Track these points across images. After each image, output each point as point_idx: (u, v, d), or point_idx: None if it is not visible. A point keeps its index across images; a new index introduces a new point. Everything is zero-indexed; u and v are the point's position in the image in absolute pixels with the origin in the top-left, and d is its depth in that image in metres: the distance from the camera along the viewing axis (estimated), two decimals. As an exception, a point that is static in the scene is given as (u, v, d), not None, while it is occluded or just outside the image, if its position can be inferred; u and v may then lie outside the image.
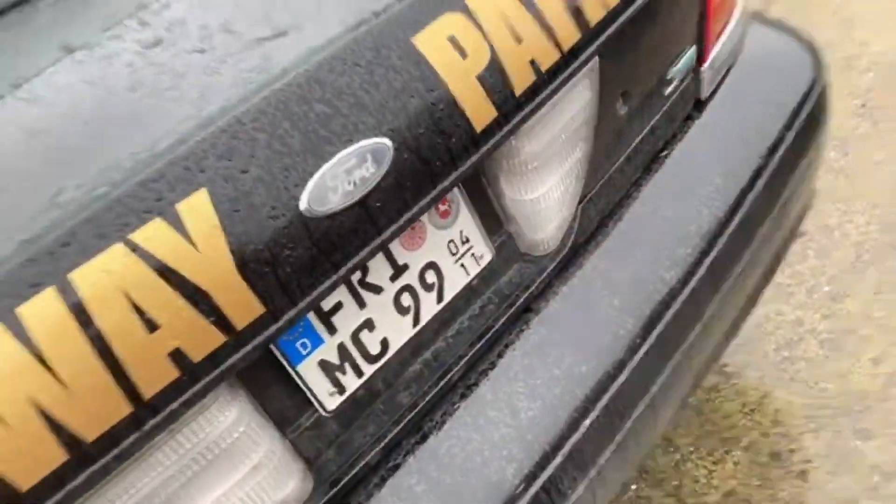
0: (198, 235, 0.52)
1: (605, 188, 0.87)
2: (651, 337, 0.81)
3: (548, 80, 0.72)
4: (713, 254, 0.87)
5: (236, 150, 0.55)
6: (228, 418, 0.59)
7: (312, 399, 0.68)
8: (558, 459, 0.73)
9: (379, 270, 0.70)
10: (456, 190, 0.74)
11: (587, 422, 0.75)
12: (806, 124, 1.02)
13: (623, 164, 0.89)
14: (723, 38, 1.00)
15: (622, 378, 0.78)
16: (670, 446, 1.41)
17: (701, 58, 0.97)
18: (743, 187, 0.94)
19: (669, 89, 0.93)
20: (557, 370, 0.77)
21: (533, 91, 0.71)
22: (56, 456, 0.48)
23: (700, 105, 1.00)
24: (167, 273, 0.51)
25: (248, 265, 0.54)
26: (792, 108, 1.02)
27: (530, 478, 0.71)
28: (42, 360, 0.47)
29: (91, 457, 0.49)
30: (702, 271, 0.86)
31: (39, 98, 0.64)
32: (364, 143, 0.59)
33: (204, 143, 0.54)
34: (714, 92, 1.01)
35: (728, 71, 1.04)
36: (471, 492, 0.70)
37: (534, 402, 0.75)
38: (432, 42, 0.65)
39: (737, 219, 0.91)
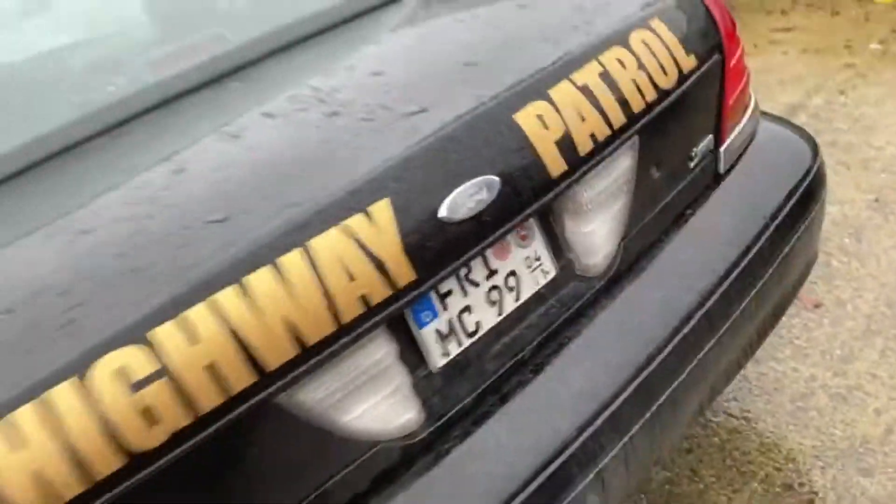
0: (382, 227, 0.84)
1: (642, 232, 1.16)
2: (673, 342, 1.07)
3: (601, 149, 1.03)
4: (724, 286, 1.14)
5: (403, 177, 0.88)
6: (381, 352, 0.88)
7: (426, 357, 0.96)
8: (600, 421, 0.98)
9: (478, 270, 1.00)
10: (532, 220, 1.04)
11: (620, 398, 1.01)
12: (805, 195, 1.31)
13: (656, 216, 1.18)
14: (736, 129, 1.31)
15: (649, 369, 1.04)
16: (695, 476, 1.61)
17: (719, 142, 1.27)
18: (748, 243, 1.21)
19: (693, 164, 1.23)
20: (600, 359, 1.04)
21: (590, 155, 1.02)
22: (289, 350, 0.77)
23: (719, 178, 1.30)
24: (362, 248, 0.82)
25: (408, 249, 0.85)
26: (794, 183, 1.31)
27: (581, 429, 0.96)
28: (293, 293, 0.78)
29: (312, 353, 0.79)
30: (714, 298, 1.13)
31: (258, 145, 0.98)
32: (483, 178, 0.90)
33: (386, 172, 0.87)
34: (731, 168, 1.31)
35: (744, 152, 1.34)
36: (535, 435, 0.96)
37: (581, 380, 1.02)
38: (526, 118, 0.97)
39: (745, 262, 1.18)
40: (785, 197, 1.28)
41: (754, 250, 1.21)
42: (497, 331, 1.02)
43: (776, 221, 1.25)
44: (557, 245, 1.09)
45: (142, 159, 1.06)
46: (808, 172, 1.33)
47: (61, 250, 0.85)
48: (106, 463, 0.69)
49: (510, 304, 1.03)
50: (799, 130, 1.45)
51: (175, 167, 1.03)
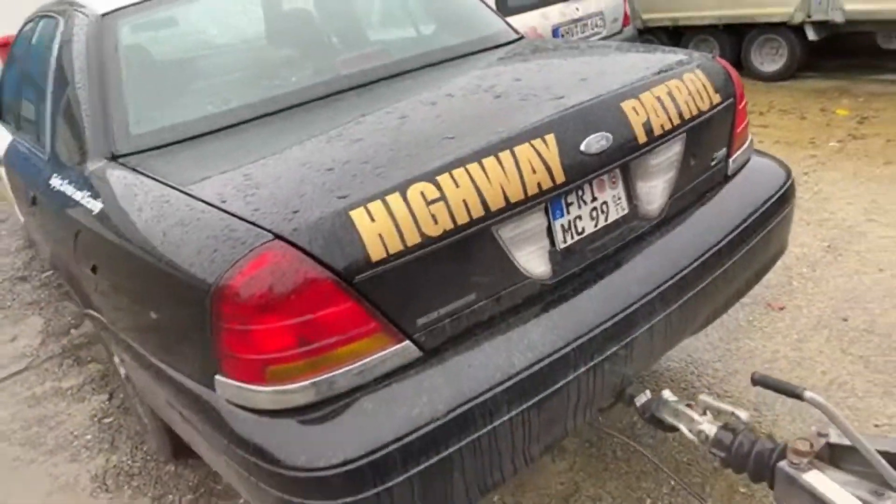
0: (550, 148, 1.45)
1: (680, 198, 1.79)
2: (692, 266, 1.68)
3: (664, 136, 1.68)
4: (726, 241, 1.77)
5: (561, 125, 1.50)
6: (537, 222, 1.48)
7: (555, 238, 1.55)
8: (646, 299, 1.57)
9: (587, 195, 1.61)
10: (618, 171, 1.67)
11: (659, 290, 1.60)
12: (783, 197, 1.96)
13: (688, 190, 1.82)
14: (740, 150, 1.98)
15: (676, 278, 1.64)
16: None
17: (729, 154, 1.94)
18: (744, 218, 1.85)
19: (712, 163, 1.88)
20: (648, 265, 1.64)
21: (658, 137, 1.66)
22: (501, 202, 1.38)
23: (727, 178, 1.95)
24: (539, 156, 1.44)
25: (563, 164, 1.47)
26: (776, 187, 1.96)
27: (636, 299, 1.55)
28: (505, 172, 1.39)
29: (509, 208, 1.39)
30: (719, 247, 1.75)
31: (454, 106, 1.63)
32: (605, 132, 1.54)
33: (552, 122, 1.50)
34: (735, 173, 1.97)
35: (743, 166, 2.00)
36: (610, 297, 1.54)
37: (636, 274, 1.61)
38: (627, 106, 1.62)
39: (742, 229, 1.82)
40: (770, 194, 1.94)
41: (748, 223, 1.85)
42: (593, 236, 1.62)
43: (763, 209, 1.90)
44: (630, 193, 1.71)
45: (372, 109, 1.72)
46: (785, 182, 2.00)
47: (348, 145, 1.48)
48: (414, 236, 1.28)
49: (601, 222, 1.64)
50: (779, 160, 2.13)
51: (400, 115, 1.67)
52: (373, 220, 1.27)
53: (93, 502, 2.16)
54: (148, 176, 1.63)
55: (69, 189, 1.86)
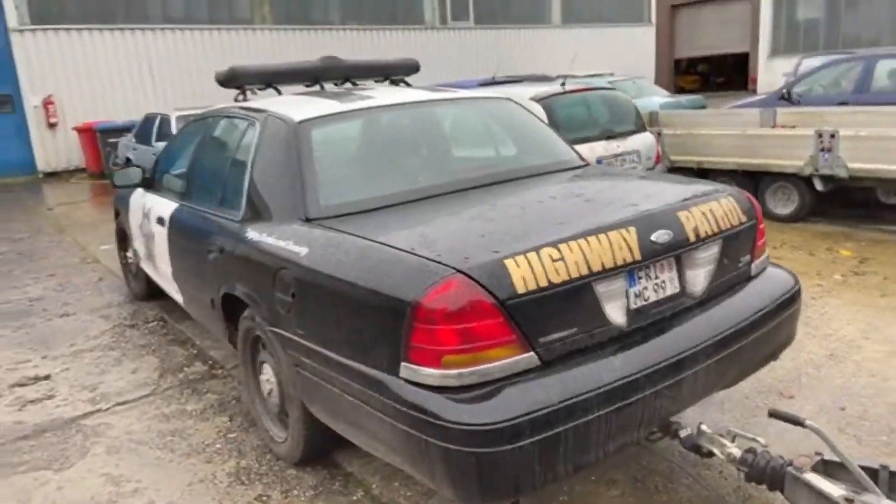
0: (631, 235, 2.15)
1: (715, 287, 2.44)
2: (723, 335, 2.30)
3: (706, 238, 2.37)
4: (748, 322, 2.39)
5: (637, 221, 2.20)
6: (618, 285, 2.13)
7: (629, 300, 2.19)
8: (690, 353, 2.18)
9: (653, 273, 2.26)
10: (674, 259, 2.33)
11: (697, 348, 2.21)
12: (792, 297, 2.61)
13: (721, 282, 2.47)
14: (760, 258, 2.66)
15: (711, 342, 2.26)
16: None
17: (752, 260, 2.61)
18: (762, 310, 2.49)
19: (739, 265, 2.55)
20: (691, 331, 2.26)
21: (702, 239, 2.35)
22: (597, 266, 2.05)
23: (750, 278, 2.61)
24: (624, 241, 2.13)
25: (639, 247, 2.15)
26: (787, 288, 2.62)
27: (683, 353, 2.17)
28: (601, 247, 2.07)
29: (603, 272, 2.06)
30: (743, 325, 2.37)
31: (557, 204, 2.36)
32: (668, 230, 2.23)
33: (633, 219, 2.20)
34: (756, 276, 2.63)
35: (762, 271, 2.67)
36: (665, 347, 2.16)
37: (683, 336, 2.24)
38: (681, 215, 2.32)
39: (759, 317, 2.45)
40: (782, 293, 2.59)
41: (764, 312, 2.48)
42: (655, 303, 2.27)
43: (777, 303, 2.55)
44: (681, 277, 2.37)
45: (496, 201, 2.46)
46: (794, 286, 2.65)
47: (488, 221, 2.19)
48: (543, 280, 1.94)
49: (660, 295, 2.29)
50: (790, 271, 2.79)
51: (520, 206, 2.40)
52: (518, 266, 1.95)
53: (231, 492, 2.68)
54: (342, 232, 2.34)
55: (269, 240, 2.56)
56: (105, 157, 13.39)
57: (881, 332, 3.82)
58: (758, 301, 2.52)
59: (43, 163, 14.37)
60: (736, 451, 2.14)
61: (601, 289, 2.09)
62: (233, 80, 3.58)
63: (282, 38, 16.88)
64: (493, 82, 9.72)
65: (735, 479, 2.47)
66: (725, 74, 30.68)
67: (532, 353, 1.96)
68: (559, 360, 2.00)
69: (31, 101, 14.09)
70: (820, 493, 1.85)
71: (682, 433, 2.28)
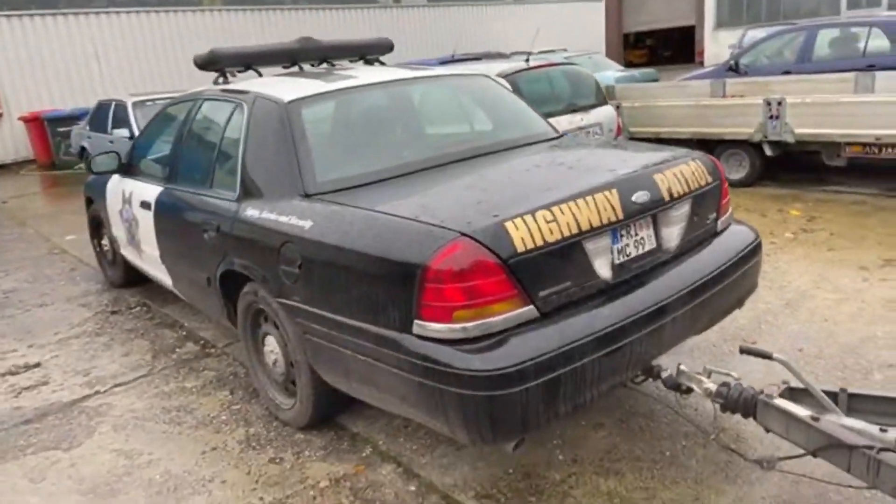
0: (613, 196, 2.36)
1: (687, 242, 2.68)
2: (694, 285, 2.53)
3: (678, 198, 2.60)
4: (716, 272, 2.64)
5: (618, 184, 2.41)
6: (604, 243, 2.34)
7: (612, 257, 2.40)
8: (665, 303, 2.42)
9: (633, 230, 2.47)
10: (650, 218, 2.55)
11: (672, 298, 2.45)
12: (753, 249, 2.87)
13: (692, 237, 2.71)
14: (725, 215, 2.91)
15: (683, 292, 2.49)
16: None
17: (717, 217, 2.86)
18: (729, 261, 2.74)
19: (707, 222, 2.79)
20: (666, 282, 2.50)
21: (675, 198, 2.58)
22: (585, 226, 2.25)
23: (716, 234, 2.86)
24: (608, 201, 2.33)
25: (621, 207, 2.36)
26: (749, 242, 2.88)
27: (659, 303, 2.40)
28: (588, 207, 2.27)
29: (590, 231, 2.26)
30: (711, 275, 2.62)
31: (542, 169, 2.55)
32: (646, 191, 2.45)
33: (613, 182, 2.40)
34: (721, 231, 2.88)
35: (727, 227, 2.92)
36: (643, 298, 2.39)
37: (659, 287, 2.47)
38: (657, 177, 2.54)
39: (725, 268, 2.70)
40: (745, 246, 2.85)
41: (729, 264, 2.73)
42: (635, 258, 2.48)
43: (741, 255, 2.80)
44: (657, 234, 2.59)
45: (486, 171, 2.63)
46: (755, 239, 2.92)
47: (482, 189, 2.37)
48: (539, 240, 2.13)
49: (640, 250, 2.51)
50: (751, 227, 3.05)
51: (507, 175, 2.57)
52: (517, 228, 2.13)
53: (244, 457, 2.82)
54: (344, 205, 2.48)
55: (271, 216, 2.68)
56: (55, 146, 13.03)
57: (831, 282, 4.16)
58: (724, 253, 2.77)
59: (-11, 155, 13.88)
60: (712, 386, 2.38)
61: (590, 246, 2.30)
62: (213, 62, 3.64)
63: (232, 20, 16.56)
64: (452, 60, 9.84)
65: (709, 414, 2.74)
66: (672, 48, 31.34)
67: (532, 306, 2.15)
68: (555, 311, 2.20)
69: (-28, 92, 13.55)
70: (789, 415, 2.11)
71: (664, 374, 2.52)
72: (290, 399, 2.98)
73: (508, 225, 2.13)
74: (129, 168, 4.31)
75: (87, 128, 10.59)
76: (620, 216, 2.37)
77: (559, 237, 2.20)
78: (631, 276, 2.44)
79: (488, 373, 2.00)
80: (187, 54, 15.60)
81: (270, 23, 17.12)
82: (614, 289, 2.37)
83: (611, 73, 12.12)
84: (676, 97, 7.91)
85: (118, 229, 4.53)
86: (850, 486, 2.07)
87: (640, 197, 2.44)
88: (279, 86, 3.20)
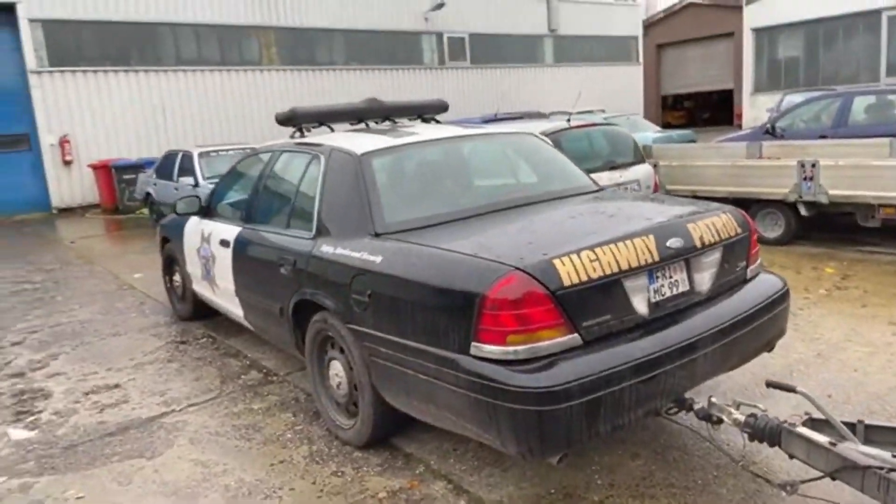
0: (650, 242, 2.66)
1: (718, 286, 2.94)
2: (725, 325, 2.79)
3: (710, 246, 2.88)
4: (746, 315, 2.89)
5: (654, 230, 2.71)
6: (641, 282, 2.63)
7: (649, 295, 2.68)
8: (698, 338, 2.68)
9: (667, 273, 2.76)
10: (684, 262, 2.83)
11: (704, 335, 2.71)
12: (782, 296, 3.12)
13: (723, 283, 2.97)
14: (754, 264, 3.17)
15: (716, 329, 2.74)
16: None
17: (747, 265, 3.12)
18: (758, 306, 2.99)
19: (737, 269, 3.06)
20: (699, 321, 2.76)
21: (706, 246, 2.87)
22: (626, 265, 2.55)
23: (745, 280, 3.12)
24: (646, 247, 2.63)
25: (657, 251, 2.65)
26: (777, 289, 3.13)
27: (693, 338, 2.66)
28: (627, 250, 2.58)
29: (631, 271, 2.56)
30: (741, 318, 2.87)
31: (584, 217, 2.89)
32: (680, 238, 2.75)
33: (650, 229, 2.72)
34: (751, 279, 3.14)
35: (756, 275, 3.18)
36: (679, 334, 2.65)
37: (693, 325, 2.73)
38: (690, 227, 2.84)
39: (754, 312, 2.94)
40: (774, 292, 3.10)
41: (757, 307, 2.98)
42: (670, 298, 2.76)
43: (769, 300, 3.05)
44: (690, 278, 2.86)
45: (534, 218, 2.97)
46: (783, 287, 3.16)
47: (532, 232, 2.71)
48: (584, 276, 2.44)
49: (674, 291, 2.78)
50: (780, 276, 3.30)
51: (555, 221, 2.91)
52: (564, 265, 2.45)
53: (309, 469, 3.11)
54: (410, 243, 2.84)
55: (344, 252, 3.05)
56: (120, 192, 13.92)
57: (863, 336, 4.33)
58: (753, 298, 3.02)
59: (58, 199, 14.85)
60: (740, 417, 2.61)
61: (628, 284, 2.59)
62: (292, 119, 4.11)
63: (288, 78, 17.61)
64: (495, 119, 10.36)
65: (739, 446, 2.93)
66: (710, 110, 31.74)
67: (576, 335, 2.44)
68: (597, 340, 2.49)
69: (48, 140, 14.63)
70: (810, 441, 2.32)
71: (696, 406, 2.75)
72: (350, 420, 3.28)
73: (556, 262, 2.45)
74: (207, 211, 4.78)
75: (154, 175, 11.36)
76: (656, 259, 2.67)
77: (601, 274, 2.50)
78: (665, 314, 2.71)
79: (537, 390, 2.28)
80: (245, 110, 16.67)
81: (324, 80, 18.14)
82: (650, 324, 2.65)
83: (649, 133, 12.50)
84: (713, 158, 8.21)
85: (194, 266, 4.98)
86: (869, 511, 2.26)
87: (673, 243, 2.73)
88: (352, 140, 3.63)
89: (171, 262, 5.69)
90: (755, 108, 21.05)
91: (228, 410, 3.84)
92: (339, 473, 3.06)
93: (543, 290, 2.39)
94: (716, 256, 2.94)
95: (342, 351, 3.19)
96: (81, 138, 14.91)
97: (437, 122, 4.62)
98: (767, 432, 2.50)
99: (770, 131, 9.50)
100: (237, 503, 2.88)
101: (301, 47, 18.01)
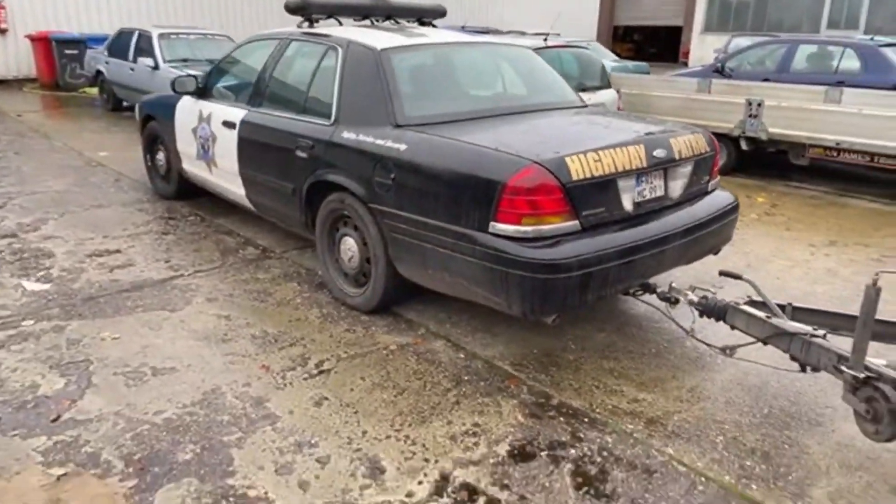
0: (639, 150, 3.15)
1: (687, 193, 3.49)
2: (689, 225, 3.36)
3: (686, 159, 3.41)
4: (703, 220, 3.47)
5: (644, 141, 3.20)
6: (632, 181, 3.13)
7: (634, 195, 3.19)
8: (667, 234, 3.24)
9: (649, 178, 3.27)
10: (663, 170, 3.34)
11: (672, 232, 3.28)
12: (732, 208, 3.71)
13: (691, 191, 3.53)
14: (714, 179, 3.74)
15: (682, 229, 3.32)
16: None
17: (710, 179, 3.68)
18: (714, 214, 3.57)
19: (702, 182, 3.62)
20: (670, 221, 3.31)
21: (683, 159, 3.39)
22: (619, 167, 3.04)
23: (707, 193, 3.69)
24: (637, 154, 3.12)
25: (646, 159, 3.15)
26: (730, 202, 3.72)
27: (662, 233, 3.22)
28: (622, 154, 3.06)
29: (624, 173, 3.06)
30: (700, 221, 3.44)
31: (578, 124, 3.34)
32: (665, 149, 3.25)
33: (639, 139, 3.20)
34: (711, 191, 3.71)
35: (714, 189, 3.75)
36: (653, 228, 3.20)
37: (665, 222, 3.28)
38: (672, 141, 3.34)
39: (710, 218, 3.52)
40: (727, 204, 3.69)
41: (713, 216, 3.56)
42: (649, 200, 3.29)
43: (723, 210, 3.64)
44: (666, 185, 3.39)
45: (538, 123, 3.41)
46: (734, 201, 3.76)
47: (540, 133, 3.15)
48: (588, 173, 2.92)
49: (653, 195, 3.31)
50: (732, 193, 3.89)
51: (558, 126, 3.35)
52: (573, 162, 2.91)
53: (324, 326, 3.56)
54: (430, 135, 3.22)
55: (367, 139, 3.39)
56: (61, 68, 13.24)
57: (785, 253, 5.08)
58: (712, 207, 3.61)
59: (-10, 69, 13.96)
60: (694, 297, 3.22)
61: (621, 184, 3.09)
62: (303, 9, 4.28)
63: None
64: (463, 31, 10.49)
65: (689, 323, 3.58)
66: (658, 46, 32.32)
67: (577, 221, 2.94)
68: (592, 227, 2.99)
69: (-22, 4, 13.58)
70: (750, 315, 2.95)
71: (658, 289, 3.35)
72: (358, 289, 3.72)
73: (567, 159, 2.90)
74: (203, 91, 4.92)
75: (106, 53, 10.91)
76: (644, 165, 3.16)
77: (602, 173, 2.98)
78: (645, 213, 3.25)
79: (543, 262, 2.78)
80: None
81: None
82: (632, 219, 3.18)
83: (607, 61, 12.90)
84: (668, 90, 8.75)
85: (186, 145, 5.14)
86: (787, 370, 2.94)
87: (659, 153, 3.23)
88: (367, 35, 3.88)
89: (154, 141, 5.79)
90: (703, 48, 21.74)
91: (236, 278, 4.20)
92: (352, 331, 3.52)
93: (556, 181, 2.85)
94: (688, 168, 3.47)
95: (355, 228, 3.59)
96: (17, 5, 13.90)
97: (434, 26, 4.87)
98: (716, 309, 3.12)
99: (719, 70, 10.10)
100: (267, 348, 3.31)
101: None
